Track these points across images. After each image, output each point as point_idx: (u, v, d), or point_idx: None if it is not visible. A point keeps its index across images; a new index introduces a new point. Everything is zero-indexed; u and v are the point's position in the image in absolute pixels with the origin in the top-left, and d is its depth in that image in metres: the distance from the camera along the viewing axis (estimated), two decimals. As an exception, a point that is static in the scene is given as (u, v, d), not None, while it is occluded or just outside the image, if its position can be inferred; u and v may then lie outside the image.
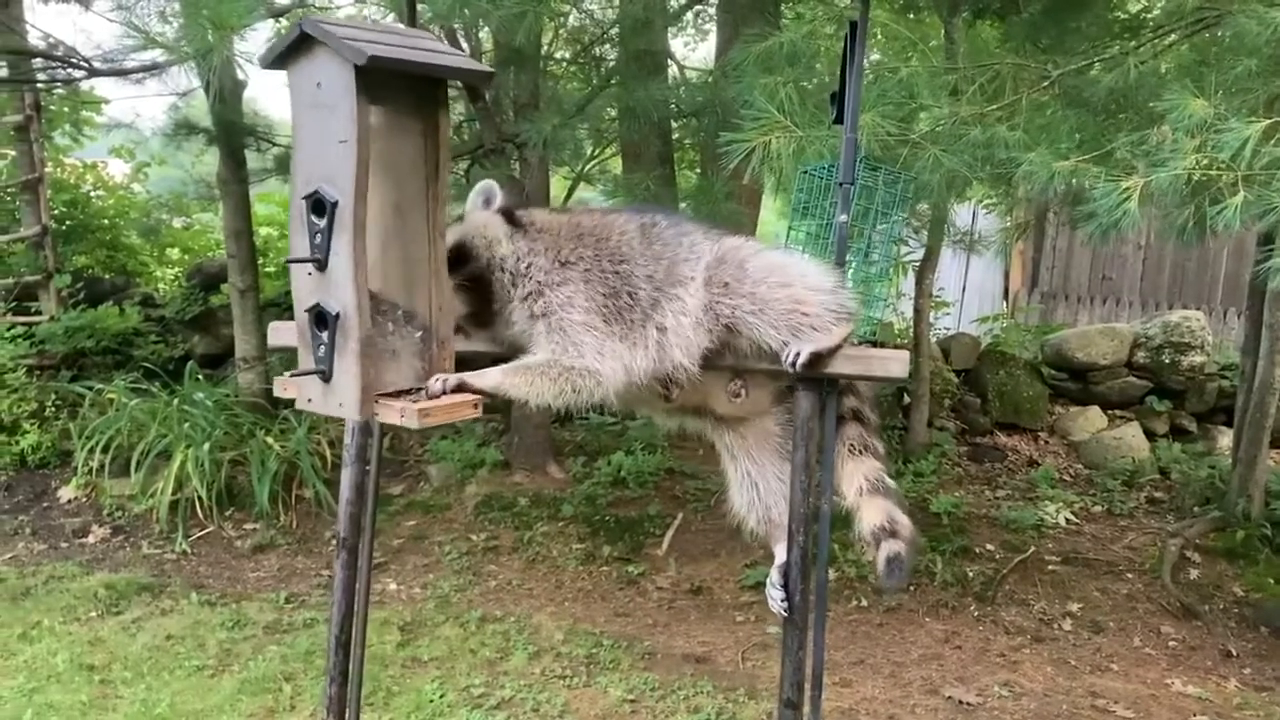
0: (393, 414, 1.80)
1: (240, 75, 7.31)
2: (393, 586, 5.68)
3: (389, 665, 4.65)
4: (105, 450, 6.54)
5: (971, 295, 12.57)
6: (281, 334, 2.24)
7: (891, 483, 2.34)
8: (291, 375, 1.86)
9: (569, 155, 8.26)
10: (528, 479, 6.84)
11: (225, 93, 6.89)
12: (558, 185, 9.19)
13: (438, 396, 1.87)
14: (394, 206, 1.84)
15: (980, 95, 2.77)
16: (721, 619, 5.40)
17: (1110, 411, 8.55)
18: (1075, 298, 12.21)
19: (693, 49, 10.41)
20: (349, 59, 1.63)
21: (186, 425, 6.64)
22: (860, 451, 2.32)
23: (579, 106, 6.30)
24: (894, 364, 2.08)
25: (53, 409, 7.17)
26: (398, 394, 1.89)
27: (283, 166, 7.28)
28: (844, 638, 5.20)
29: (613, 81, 6.85)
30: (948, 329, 10.05)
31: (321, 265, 1.74)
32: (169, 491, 6.28)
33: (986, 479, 7.64)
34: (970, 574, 5.89)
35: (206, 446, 6.44)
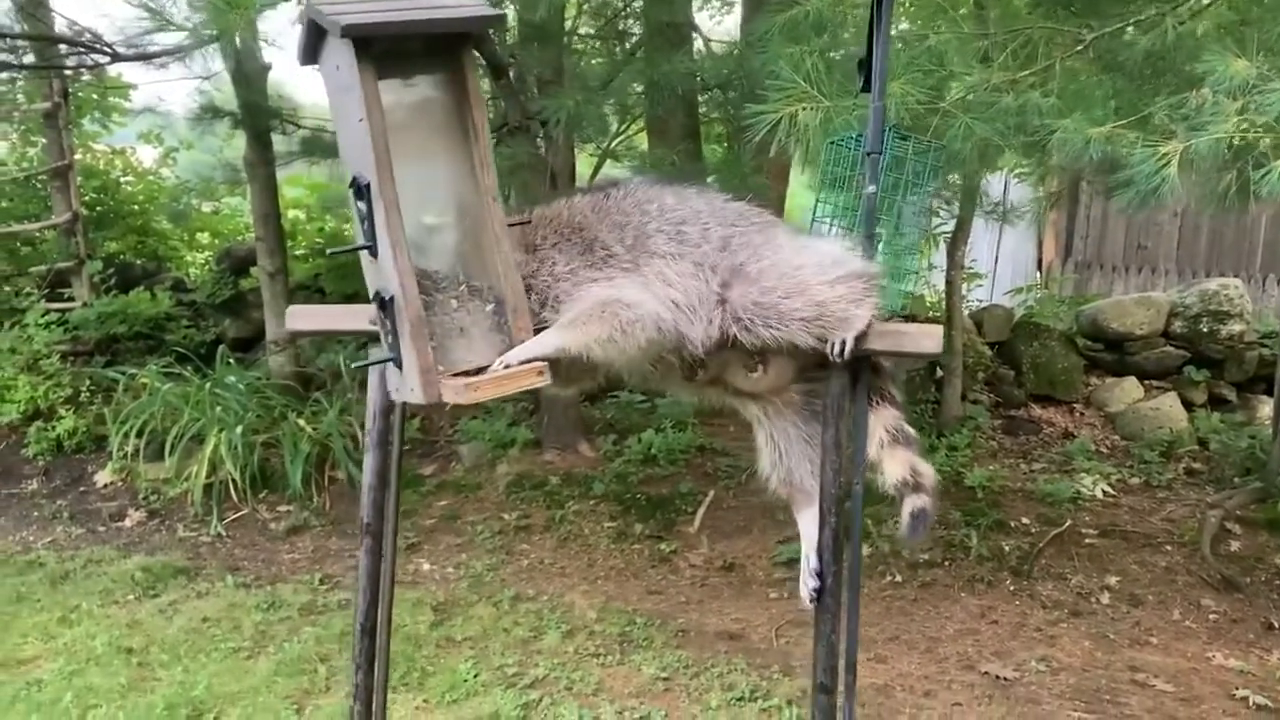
0: (449, 393, 1.76)
1: (264, 58, 7.33)
2: (426, 566, 5.70)
3: (423, 645, 4.67)
4: (140, 434, 6.59)
5: (1005, 266, 12.42)
6: (298, 318, 2.21)
7: (911, 431, 2.25)
8: (355, 366, 1.83)
9: (594, 132, 8.22)
10: (559, 458, 6.84)
11: (249, 76, 6.90)
12: (584, 163, 9.14)
13: None
14: (437, 179, 1.80)
15: (1012, 61, 2.70)
16: (755, 596, 5.38)
17: (1147, 382, 8.41)
18: (1110, 267, 12.03)
19: (718, 21, 10.29)
20: (331, 32, 1.60)
21: (219, 409, 6.67)
22: (878, 401, 2.23)
23: (603, 82, 6.24)
24: (926, 340, 2.03)
25: (87, 394, 7.23)
26: (472, 372, 1.82)
27: (309, 149, 7.28)
28: (879, 613, 5.16)
29: (636, 55, 6.79)
30: (980, 301, 9.93)
31: (373, 251, 1.71)
32: (203, 475, 6.32)
33: (1021, 452, 7.56)
34: (1006, 548, 5.83)
35: (239, 430, 6.48)
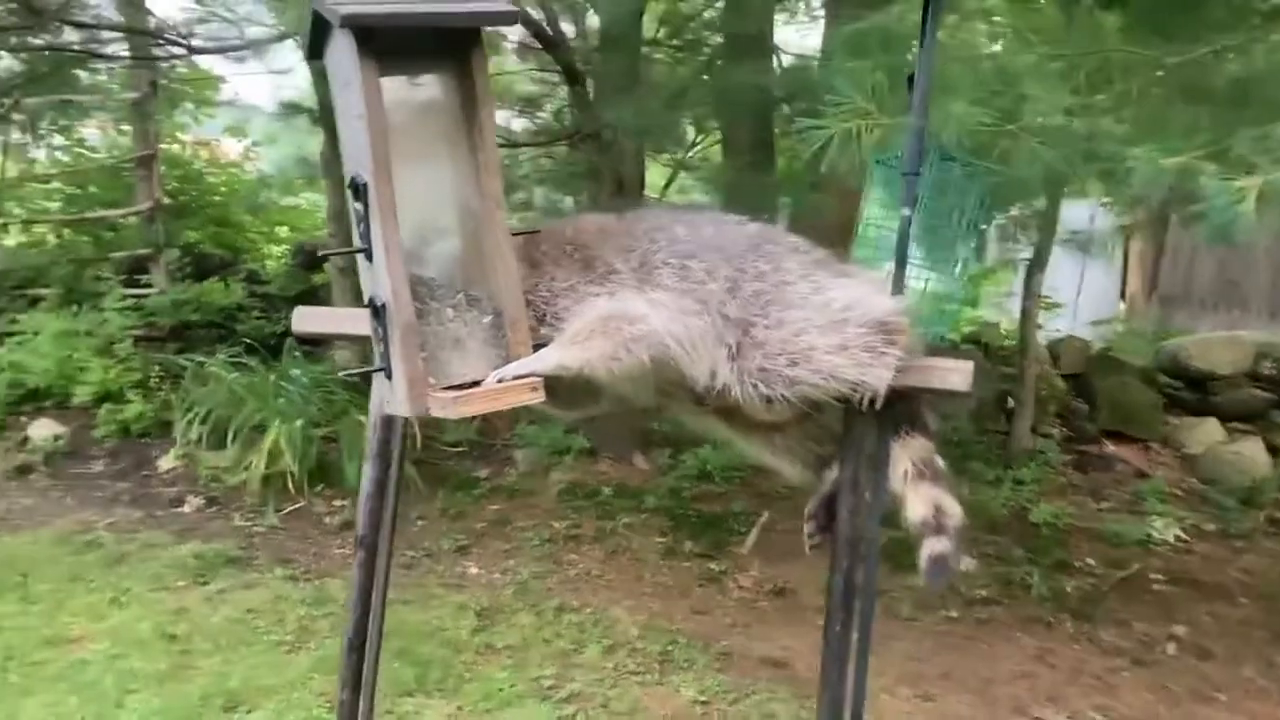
0: (436, 406, 1.70)
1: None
2: (473, 570, 5.67)
3: (462, 651, 4.63)
4: (204, 422, 6.68)
5: (1088, 297, 12.06)
6: (304, 319, 2.17)
7: (941, 464, 2.10)
8: (344, 375, 1.78)
9: (669, 142, 8.17)
10: (613, 468, 6.78)
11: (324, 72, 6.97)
12: (656, 172, 9.10)
13: None
14: (440, 181, 1.73)
15: (1087, 84, 2.57)
16: (805, 623, 5.24)
17: (1229, 424, 8.07)
18: (1197, 302, 11.61)
19: (803, 35, 10.16)
20: (334, 23, 1.55)
21: (281, 400, 6.74)
22: (907, 431, 2.08)
23: (677, 92, 6.17)
24: (955, 375, 1.89)
25: (156, 379, 7.36)
26: (466, 386, 1.76)
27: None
28: (931, 648, 5.00)
29: (713, 65, 6.72)
30: (1058, 331, 9.66)
31: (369, 254, 1.65)
32: (262, 465, 6.38)
33: (1091, 490, 7.30)
34: (1068, 589, 5.62)
35: (299, 423, 6.53)
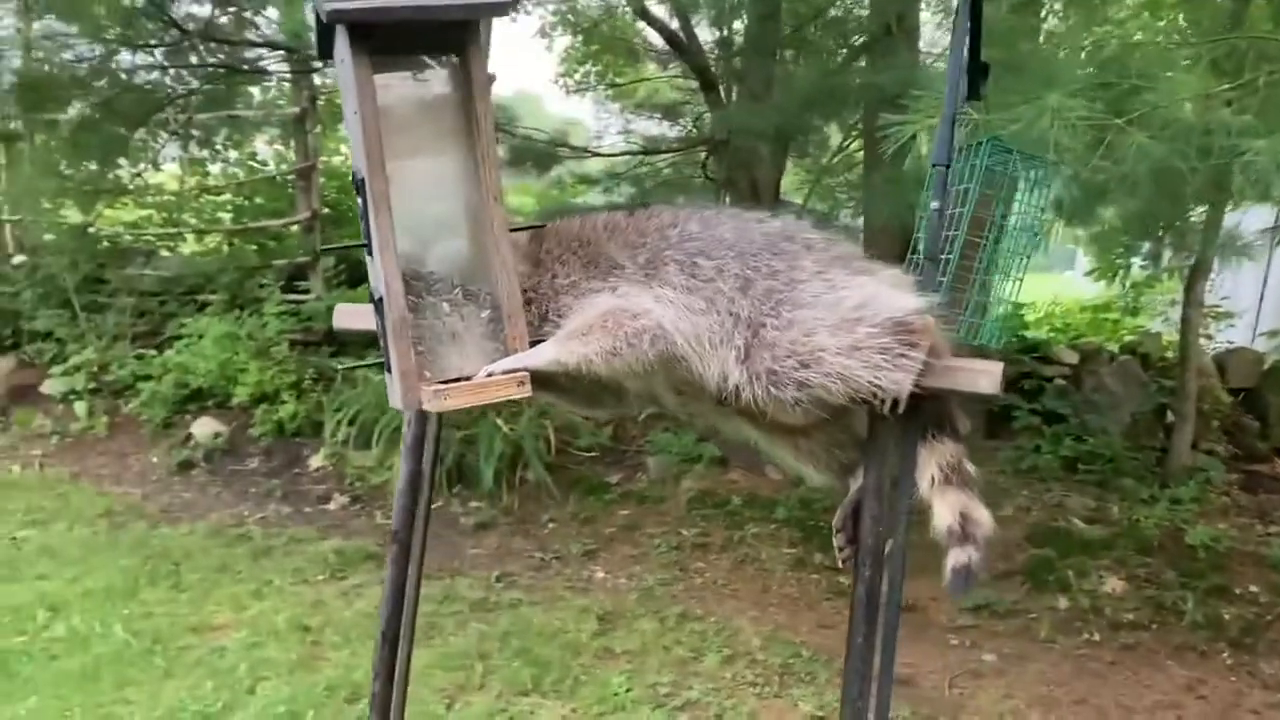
0: (425, 400, 1.68)
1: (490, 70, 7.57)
2: (600, 574, 5.71)
3: (581, 653, 4.66)
4: (351, 423, 6.94)
5: (1273, 305, 11.24)
6: (344, 317, 2.18)
7: (971, 469, 1.98)
8: (342, 369, 1.80)
9: (809, 145, 8.05)
10: (744, 477, 6.72)
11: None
12: (797, 178, 8.98)
13: None
14: (439, 176, 1.73)
15: (1211, 73, 2.38)
16: (932, 640, 5.08)
17: None
18: (1391, 313, 10.73)
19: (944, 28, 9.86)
20: (325, 19, 1.56)
21: (422, 403, 6.92)
22: (935, 434, 1.97)
23: (814, 93, 6.03)
24: (983, 379, 1.77)
25: (309, 381, 7.68)
26: (460, 380, 1.74)
27: (519, 157, 7.48)
28: (1069, 673, 4.77)
29: (851, 63, 6.57)
30: (1230, 343, 9.08)
31: (369, 249, 1.67)
32: (434, 463, 6.55)
33: (1259, 512, 6.82)
34: (1226, 617, 5.26)
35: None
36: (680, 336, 1.82)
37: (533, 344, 1.80)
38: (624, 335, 1.79)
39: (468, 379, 1.72)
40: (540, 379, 1.78)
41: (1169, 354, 8.14)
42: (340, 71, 1.63)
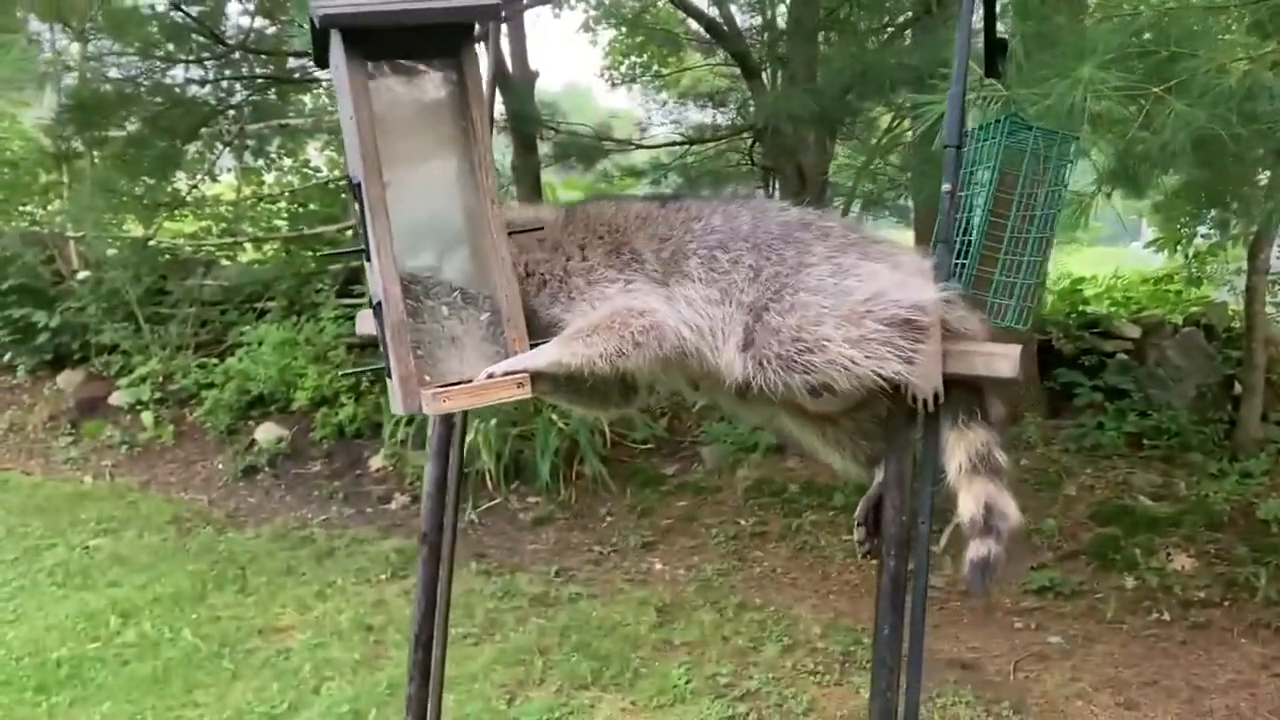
0: (424, 403, 1.69)
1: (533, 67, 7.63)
2: (658, 566, 5.72)
3: (640, 646, 4.67)
4: (409, 423, 7.01)
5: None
6: (366, 323, 2.16)
7: (1001, 457, 1.93)
8: (343, 374, 1.81)
9: (859, 129, 7.96)
10: (801, 465, 6.67)
11: (515, 84, 7.20)
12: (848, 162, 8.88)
13: None
14: (436, 180, 1.74)
15: (1253, 35, 2.30)
16: (997, 624, 5.02)
17: None
18: None
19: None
20: (319, 24, 1.57)
21: (478, 399, 6.98)
22: (966, 420, 1.92)
23: (850, 76, 5.94)
24: (1001, 362, 1.75)
25: (367, 384, 7.78)
26: (461, 383, 1.76)
27: (563, 153, 7.50)
28: (1138, 654, 4.68)
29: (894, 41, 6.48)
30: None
31: (367, 254, 1.68)
32: (460, 463, 6.62)
33: (1336, 483, 6.63)
34: (1303, 593, 5.12)
35: (494, 421, 6.76)
36: (689, 331, 1.82)
37: (534, 346, 1.81)
38: (630, 336, 1.80)
39: (468, 382, 1.73)
40: (544, 380, 1.78)
41: (1235, 324, 7.92)
42: (336, 77, 1.65)
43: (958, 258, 1.88)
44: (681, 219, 1.96)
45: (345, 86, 1.61)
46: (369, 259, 1.69)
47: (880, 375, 1.77)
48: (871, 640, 1.96)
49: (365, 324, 2.18)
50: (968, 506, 1.91)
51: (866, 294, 1.79)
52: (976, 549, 1.90)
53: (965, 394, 1.89)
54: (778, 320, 1.81)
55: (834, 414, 2.05)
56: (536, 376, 1.77)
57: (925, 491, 1.90)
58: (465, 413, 1.96)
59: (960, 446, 1.91)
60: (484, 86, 1.73)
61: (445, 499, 2.16)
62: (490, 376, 1.73)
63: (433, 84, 1.73)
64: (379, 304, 1.71)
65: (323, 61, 1.69)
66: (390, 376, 1.73)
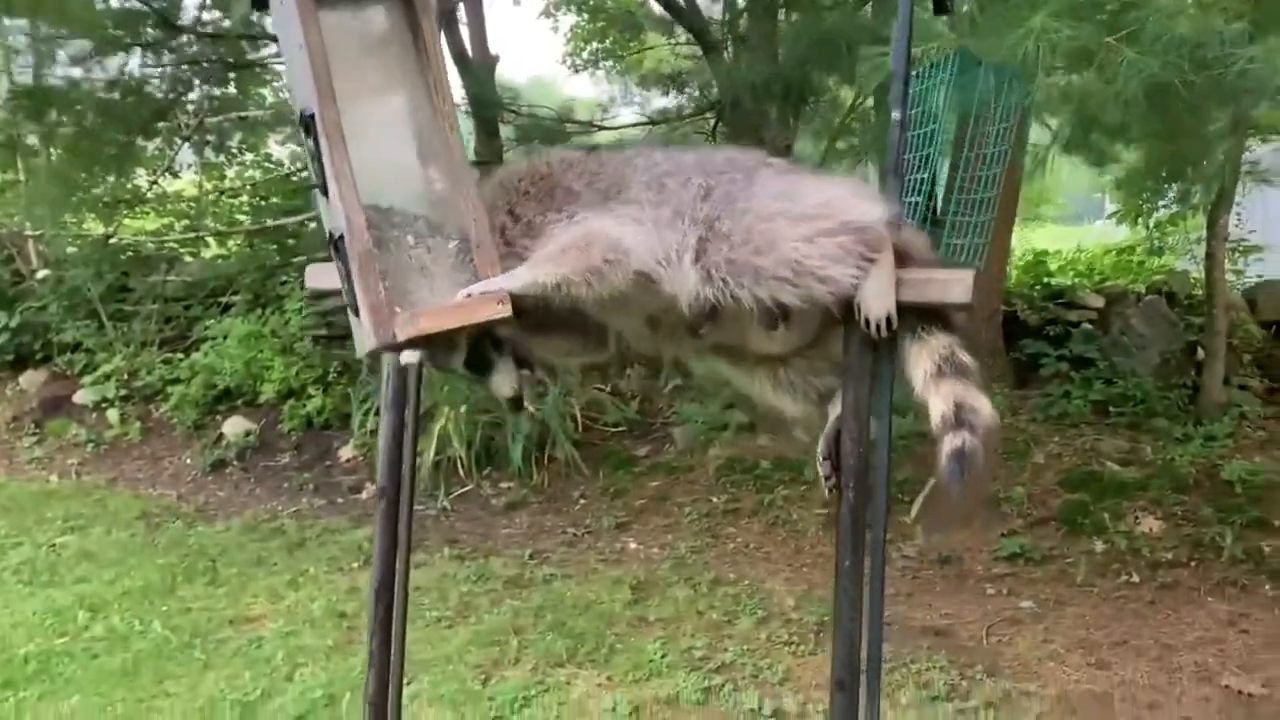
0: (400, 326, 1.62)
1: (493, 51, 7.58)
2: (632, 546, 5.72)
3: (615, 623, 4.67)
4: (379, 412, 6.95)
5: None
6: (317, 276, 2.13)
7: (966, 358, 1.87)
8: (307, 314, 1.75)
9: (821, 105, 7.96)
10: (772, 442, 6.69)
11: (475, 68, 7.15)
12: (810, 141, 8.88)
13: None
14: (393, 110, 1.71)
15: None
16: (970, 591, 5.06)
17: None
18: None
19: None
20: None
21: (447, 388, 6.95)
22: (924, 329, 1.88)
23: (815, 42, 5.90)
24: (956, 287, 1.74)
25: (334, 375, 7.72)
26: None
27: (526, 135, 7.47)
28: (1108, 615, 4.73)
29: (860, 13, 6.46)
30: (1261, 276, 8.92)
31: (323, 188, 1.64)
32: (431, 451, 6.60)
33: (1296, 444, 6.72)
34: (1266, 550, 5.18)
35: (464, 408, 6.73)
36: (650, 255, 1.80)
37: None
38: (599, 254, 1.77)
39: None
40: (519, 309, 1.73)
41: (1197, 292, 8.01)
42: (279, 13, 1.61)
43: (911, 195, 1.88)
44: (614, 160, 1.95)
45: (293, 13, 1.56)
46: (324, 193, 1.64)
47: (832, 279, 1.75)
48: (834, 575, 1.94)
49: (316, 277, 2.12)
50: (938, 407, 1.85)
51: (818, 200, 1.79)
52: (951, 441, 1.82)
53: (920, 313, 1.87)
54: (729, 225, 1.80)
55: (787, 354, 2.04)
56: (517, 302, 1.73)
57: (883, 421, 1.89)
58: (421, 369, 1.90)
59: (923, 354, 1.87)
60: (434, 13, 1.69)
61: (403, 452, 2.10)
62: (469, 297, 1.69)
63: (382, 12, 1.69)
64: (339, 237, 1.64)
65: (259, 6, 1.66)
66: (355, 314, 1.67)
